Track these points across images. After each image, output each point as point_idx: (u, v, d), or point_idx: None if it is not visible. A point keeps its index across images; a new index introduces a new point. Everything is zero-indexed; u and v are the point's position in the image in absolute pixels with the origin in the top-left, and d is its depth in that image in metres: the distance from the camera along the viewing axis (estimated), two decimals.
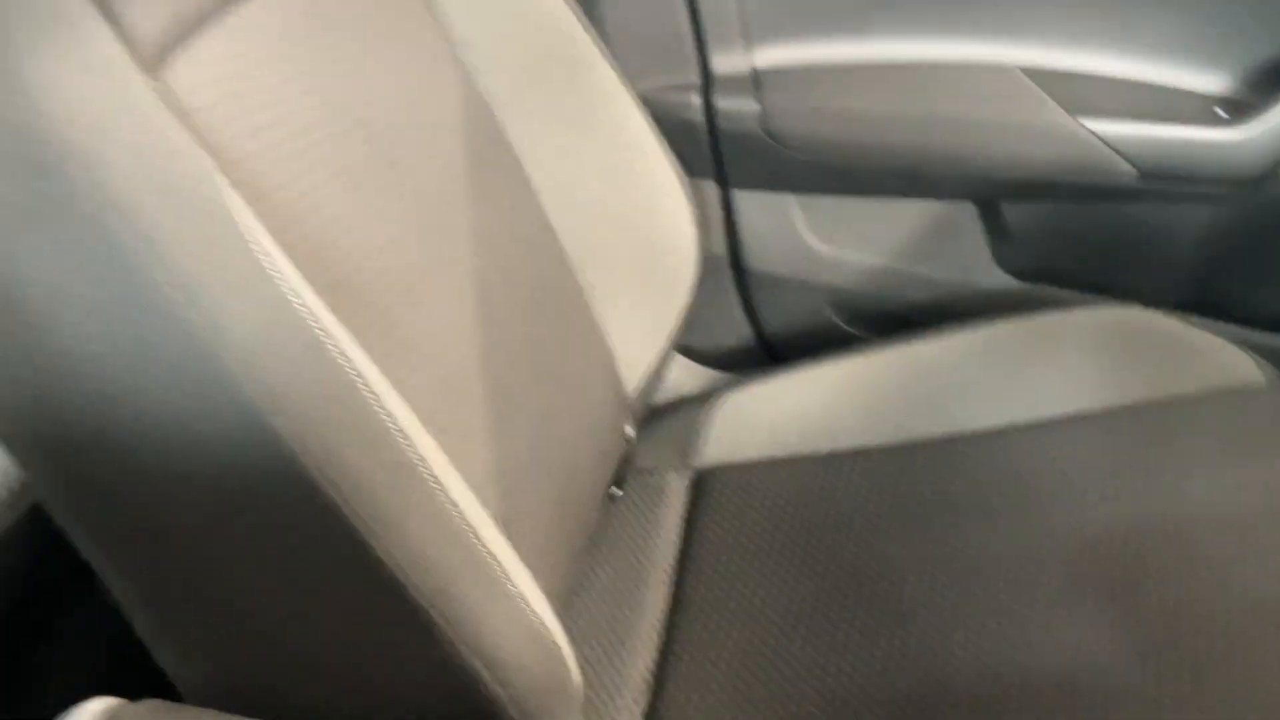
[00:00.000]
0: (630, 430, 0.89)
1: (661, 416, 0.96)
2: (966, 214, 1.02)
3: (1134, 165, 0.92)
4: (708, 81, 1.00)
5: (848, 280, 1.06)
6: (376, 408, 0.50)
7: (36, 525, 0.83)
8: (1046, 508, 0.79)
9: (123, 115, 0.44)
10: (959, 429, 0.87)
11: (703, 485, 0.88)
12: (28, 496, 0.84)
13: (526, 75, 0.82)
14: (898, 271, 1.05)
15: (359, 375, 0.49)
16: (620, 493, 0.89)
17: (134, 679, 0.59)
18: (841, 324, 1.08)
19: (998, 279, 1.03)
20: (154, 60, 0.50)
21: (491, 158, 0.78)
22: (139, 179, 0.44)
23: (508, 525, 0.64)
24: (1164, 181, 0.93)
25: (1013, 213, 1.01)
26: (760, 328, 1.11)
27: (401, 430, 0.51)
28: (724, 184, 1.04)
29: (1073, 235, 1.01)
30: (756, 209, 1.04)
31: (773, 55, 1.00)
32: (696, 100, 1.00)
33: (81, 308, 0.45)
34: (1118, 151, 0.92)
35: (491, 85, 0.80)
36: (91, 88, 0.43)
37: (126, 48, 0.46)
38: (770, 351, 1.12)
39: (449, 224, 0.70)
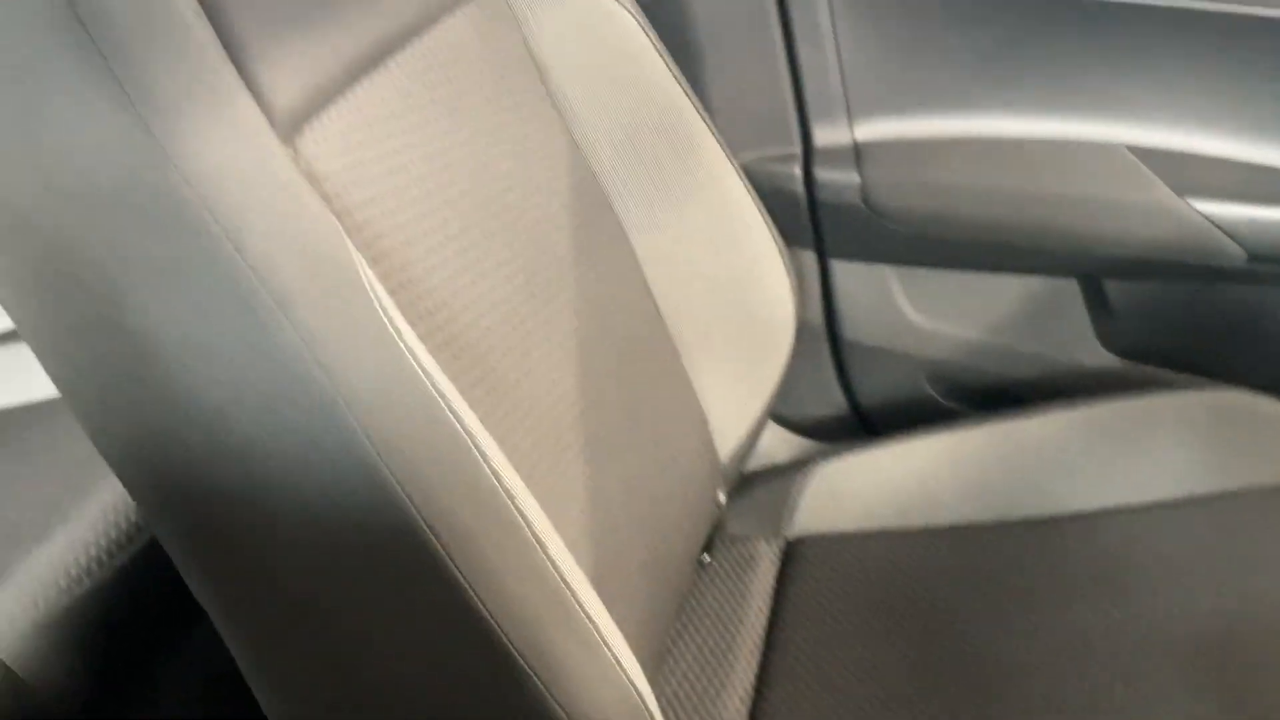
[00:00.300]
0: (722, 496, 0.90)
1: (753, 483, 0.96)
2: (1069, 290, 1.01)
3: (1242, 247, 0.90)
4: (809, 153, 1.01)
5: (945, 353, 1.05)
6: (485, 467, 0.51)
7: (152, 560, 0.86)
8: (1149, 594, 0.77)
9: (261, 179, 0.47)
10: (1059, 509, 0.85)
11: (793, 555, 0.88)
12: (146, 532, 0.87)
13: (633, 146, 0.84)
14: (997, 346, 1.04)
15: (469, 434, 0.51)
16: (709, 559, 0.89)
17: (234, 712, 0.61)
18: (938, 397, 1.08)
19: (1100, 357, 1.02)
20: (289, 129, 0.52)
21: (596, 224, 0.80)
22: (274, 240, 0.46)
23: (600, 585, 0.65)
24: (1272, 264, 0.91)
25: (1116, 290, 1.00)
26: (855, 398, 1.10)
27: (507, 490, 0.52)
28: (822, 254, 1.04)
29: (1178, 315, 0.99)
30: (854, 279, 1.04)
31: (874, 128, 1.01)
32: (797, 171, 1.01)
33: (213, 360, 0.47)
34: (1225, 233, 0.90)
35: (599, 154, 0.83)
36: (233, 152, 0.46)
37: (266, 116, 0.49)
38: (864, 422, 1.11)
39: (554, 288, 0.72)
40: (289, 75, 0.53)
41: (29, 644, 0.82)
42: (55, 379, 0.54)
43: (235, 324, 0.46)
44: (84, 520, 0.86)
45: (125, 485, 0.57)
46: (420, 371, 0.49)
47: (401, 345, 0.49)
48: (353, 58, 0.60)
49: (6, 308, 0.53)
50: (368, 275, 0.50)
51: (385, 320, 0.49)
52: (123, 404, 0.52)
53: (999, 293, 1.02)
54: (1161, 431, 0.89)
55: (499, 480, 0.52)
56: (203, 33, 0.47)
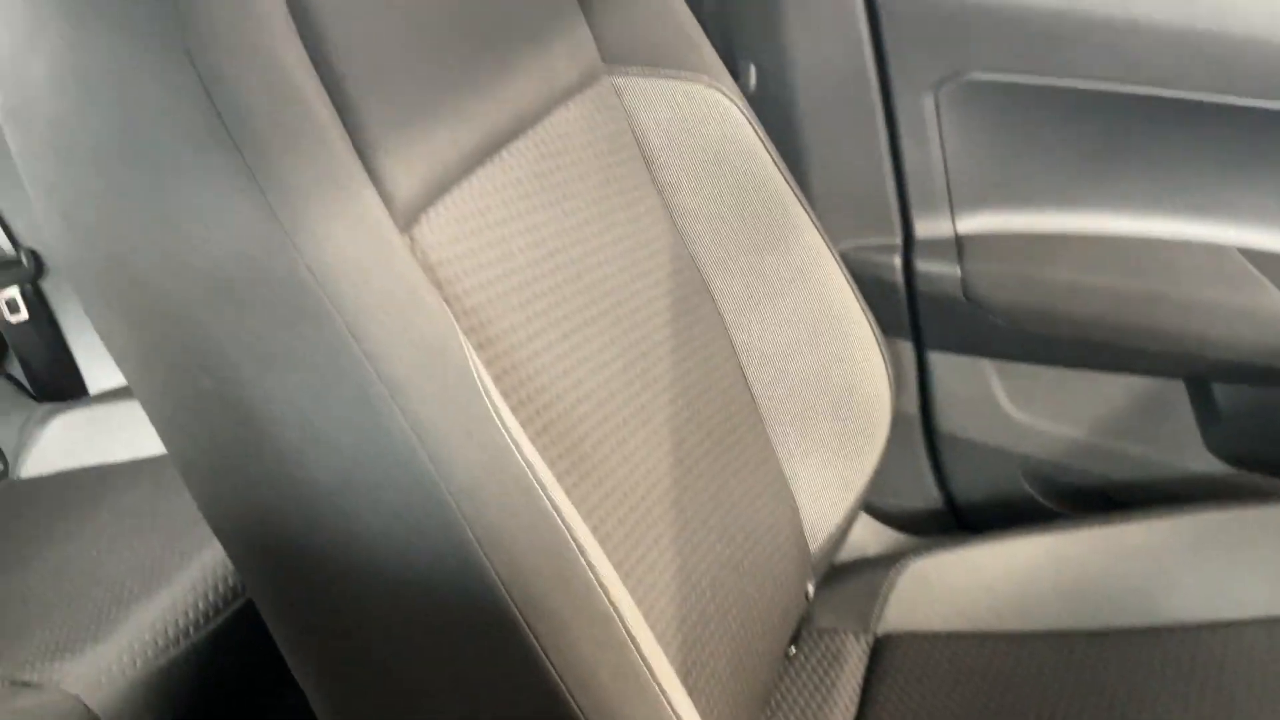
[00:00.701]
0: (811, 588, 0.88)
1: (843, 576, 0.95)
2: (1175, 392, 0.99)
3: None
4: (909, 243, 1.01)
5: (1045, 451, 1.03)
6: (581, 560, 0.51)
7: (247, 623, 0.88)
8: (1254, 713, 0.74)
9: (380, 270, 0.48)
10: (1160, 619, 0.82)
11: (882, 652, 0.86)
12: (243, 596, 0.89)
13: (733, 233, 0.85)
14: (1099, 447, 1.01)
15: (567, 527, 0.51)
16: (796, 652, 0.87)
17: None
18: (1036, 495, 1.05)
19: (1206, 462, 0.99)
20: (407, 218, 0.54)
21: (694, 310, 0.81)
22: (390, 329, 0.47)
23: (686, 677, 0.64)
24: None
25: (1225, 394, 0.97)
26: (950, 492, 1.09)
27: (602, 583, 0.52)
28: (920, 345, 1.04)
29: None
30: (952, 371, 1.03)
31: (977, 221, 1.00)
32: (897, 261, 1.01)
33: (325, 443, 0.48)
34: None
35: (700, 241, 0.83)
36: (355, 243, 0.48)
37: (387, 206, 0.51)
38: (959, 517, 1.09)
39: (651, 374, 0.73)
40: (410, 166, 0.55)
41: (124, 701, 0.84)
42: (168, 446, 0.56)
43: (348, 410, 0.47)
44: (185, 582, 0.89)
45: (227, 551, 0.58)
46: (523, 463, 0.50)
47: (506, 437, 0.50)
48: (470, 148, 0.61)
49: (127, 376, 0.55)
50: (476, 366, 0.51)
51: (492, 412, 0.50)
52: (232, 476, 0.54)
53: (1102, 391, 1.00)
54: (1269, 544, 0.86)
55: (595, 574, 0.52)
56: (334, 128, 0.49)
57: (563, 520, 0.51)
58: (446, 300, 0.54)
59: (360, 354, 0.47)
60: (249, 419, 0.50)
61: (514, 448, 0.50)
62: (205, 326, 0.48)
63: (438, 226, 0.57)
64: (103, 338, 0.54)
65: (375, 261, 0.48)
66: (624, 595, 0.55)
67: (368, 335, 0.47)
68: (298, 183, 0.47)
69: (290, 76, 0.47)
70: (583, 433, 0.64)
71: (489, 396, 0.50)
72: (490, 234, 0.61)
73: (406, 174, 0.54)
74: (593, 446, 0.65)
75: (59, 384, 1.35)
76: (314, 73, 0.48)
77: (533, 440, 0.54)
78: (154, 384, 0.54)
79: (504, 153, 0.65)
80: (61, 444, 1.24)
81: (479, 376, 0.51)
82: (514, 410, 0.55)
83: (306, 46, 0.49)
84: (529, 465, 0.51)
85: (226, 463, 0.53)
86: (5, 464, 1.22)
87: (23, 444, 1.24)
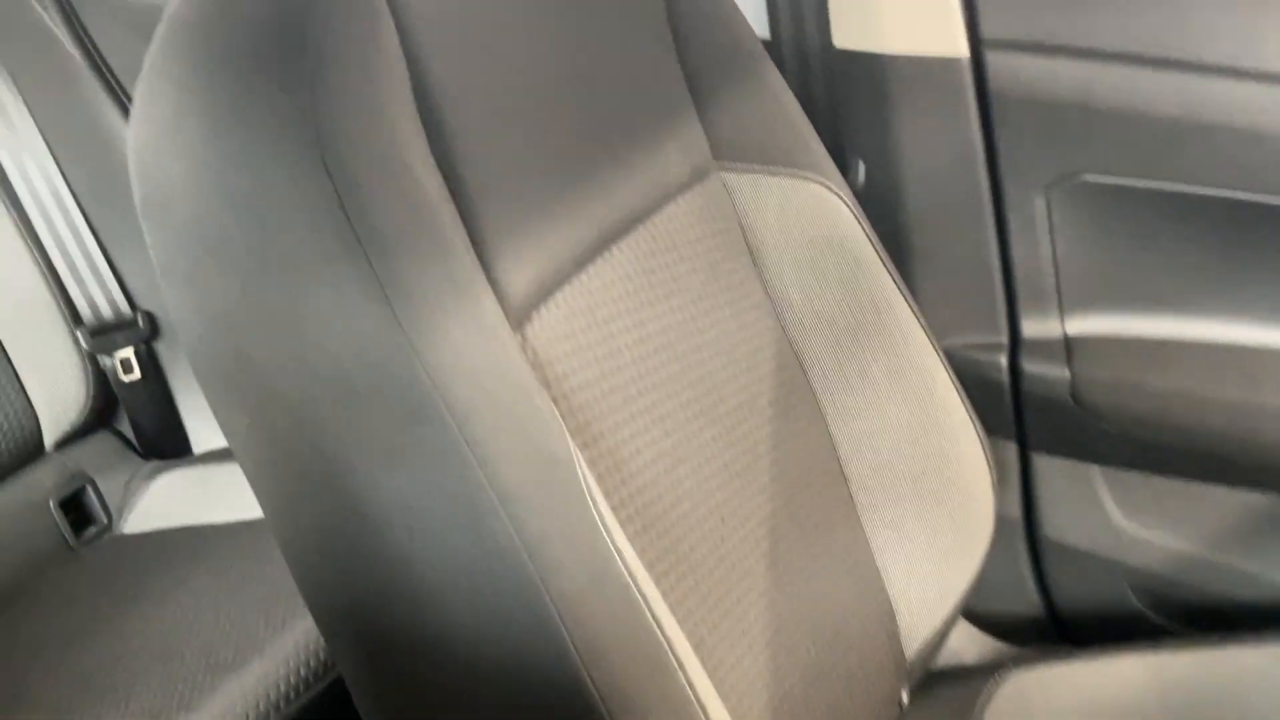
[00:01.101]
0: (905, 695, 0.86)
1: (939, 683, 0.92)
2: None
3: None
4: (1017, 344, 0.99)
5: (1153, 563, 0.99)
6: (681, 675, 0.51)
7: (335, 700, 0.88)
8: None
9: (494, 375, 0.49)
10: None
11: None
12: (333, 671, 0.90)
13: (838, 329, 0.84)
14: (1212, 562, 0.97)
15: (668, 641, 0.51)
16: None
17: None
18: (1144, 610, 1.01)
19: None
20: (520, 317, 0.55)
21: (796, 407, 0.80)
22: (500, 432, 0.48)
23: None
24: None
25: None
26: (1052, 601, 1.05)
27: (700, 699, 0.51)
28: (1025, 447, 1.01)
29: None
30: (1057, 476, 1.00)
31: (1087, 323, 0.98)
32: (1003, 361, 0.99)
33: (429, 540, 0.49)
34: None
35: (803, 336, 0.83)
36: (470, 347, 0.48)
37: (502, 307, 0.51)
38: (1061, 628, 1.06)
39: (750, 472, 0.72)
40: (524, 266, 0.56)
41: None
42: (270, 521, 0.57)
43: (455, 510, 0.48)
44: (278, 654, 0.90)
45: (320, 628, 0.59)
46: (626, 575, 0.50)
47: (611, 548, 0.50)
48: (582, 246, 0.62)
49: (235, 451, 0.56)
50: (585, 474, 0.51)
51: (598, 521, 0.50)
52: (334, 560, 0.54)
53: (1216, 503, 0.97)
54: None
55: (693, 689, 0.51)
56: (457, 233, 0.49)
57: (663, 634, 0.51)
58: (556, 399, 0.54)
59: (471, 458, 0.47)
60: (357, 511, 0.50)
61: (618, 558, 0.50)
62: (322, 422, 0.49)
63: (549, 324, 0.57)
64: (215, 413, 0.55)
65: (490, 366, 0.49)
66: (719, 707, 0.53)
67: (479, 440, 0.47)
68: (421, 289, 0.48)
69: (419, 184, 0.48)
70: (681, 533, 0.64)
71: (596, 507, 0.50)
72: (598, 331, 0.61)
73: (521, 273, 0.55)
74: (690, 547, 0.64)
75: (165, 442, 1.38)
76: (440, 178, 0.49)
77: (632, 540, 0.54)
78: (262, 464, 0.55)
79: (614, 249, 0.66)
80: (164, 501, 1.27)
81: (587, 486, 0.50)
82: (615, 510, 0.55)
83: (433, 150, 0.50)
84: (632, 577, 0.50)
85: (329, 547, 0.54)
86: (109, 518, 1.25)
87: (127, 500, 1.28)
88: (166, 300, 0.52)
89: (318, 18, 0.46)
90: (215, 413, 0.55)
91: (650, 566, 0.54)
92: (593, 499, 0.50)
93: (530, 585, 0.48)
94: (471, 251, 0.50)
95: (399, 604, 0.52)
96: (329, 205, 0.46)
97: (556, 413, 0.52)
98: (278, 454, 0.53)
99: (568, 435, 0.51)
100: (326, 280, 0.47)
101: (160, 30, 0.49)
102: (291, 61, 0.45)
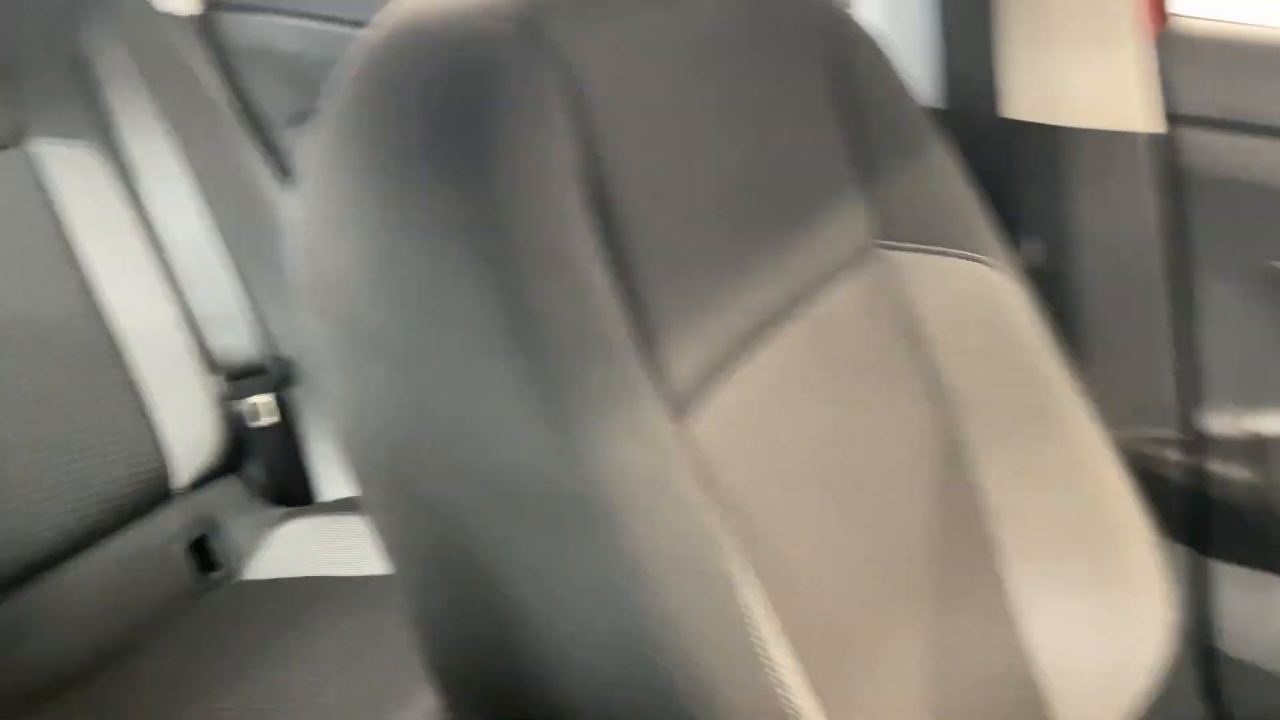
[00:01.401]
0: None
1: None
2: None
3: None
4: (1195, 441, 0.92)
5: None
6: None
7: None
8: None
9: (654, 484, 0.46)
10: None
11: None
12: None
13: (1001, 418, 0.79)
14: None
15: None
16: None
17: None
18: None
19: None
20: (680, 410, 0.51)
21: (955, 505, 0.75)
22: (657, 546, 0.45)
23: None
24: None
25: None
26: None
27: None
28: (1201, 553, 0.93)
29: None
30: (1239, 587, 0.93)
31: (1276, 422, 0.90)
32: (1179, 459, 0.92)
33: (574, 646, 0.46)
34: None
35: (966, 428, 0.78)
36: (633, 456, 0.45)
37: (665, 400, 0.48)
38: None
39: (906, 574, 0.68)
40: (687, 356, 0.53)
41: None
42: (405, 600, 0.54)
43: (604, 620, 0.45)
44: None
45: (445, 707, 0.56)
46: (791, 711, 0.45)
47: (772, 678, 0.46)
48: (744, 333, 0.59)
49: (377, 532, 0.53)
50: (744, 593, 0.47)
51: (756, 649, 0.46)
52: (470, 654, 0.52)
53: None
54: None
55: None
56: (622, 333, 0.47)
57: None
58: (718, 499, 0.51)
59: (625, 570, 0.43)
60: (498, 609, 0.47)
61: (780, 694, 0.46)
62: (473, 528, 0.46)
63: (711, 417, 0.54)
64: (359, 490, 0.53)
65: (650, 474, 0.45)
66: None
67: (634, 550, 0.44)
68: (584, 393, 0.45)
69: (585, 282, 0.46)
70: (841, 639, 0.59)
71: (756, 632, 0.46)
72: (759, 423, 0.58)
73: (682, 364, 0.52)
74: (850, 659, 0.60)
75: (292, 488, 1.38)
76: (608, 273, 0.47)
77: (791, 646, 0.50)
78: (404, 549, 0.52)
79: (775, 335, 0.63)
80: (289, 550, 1.27)
81: (745, 609, 0.46)
82: (770, 615, 0.51)
83: (603, 238, 0.47)
84: (797, 714, 0.46)
85: (465, 638, 0.51)
86: (234, 564, 1.25)
87: (252, 546, 1.28)
88: (320, 381, 0.50)
89: (492, 103, 0.44)
90: (359, 489, 0.53)
91: (816, 691, 0.50)
92: (755, 631, 0.46)
93: (679, 705, 0.44)
94: (636, 353, 0.47)
95: (529, 699, 0.49)
96: (491, 301, 0.43)
97: (721, 538, 0.48)
98: (420, 547, 0.51)
99: (730, 561, 0.48)
100: (487, 383, 0.44)
101: (335, 104, 0.47)
102: (464, 156, 0.43)
